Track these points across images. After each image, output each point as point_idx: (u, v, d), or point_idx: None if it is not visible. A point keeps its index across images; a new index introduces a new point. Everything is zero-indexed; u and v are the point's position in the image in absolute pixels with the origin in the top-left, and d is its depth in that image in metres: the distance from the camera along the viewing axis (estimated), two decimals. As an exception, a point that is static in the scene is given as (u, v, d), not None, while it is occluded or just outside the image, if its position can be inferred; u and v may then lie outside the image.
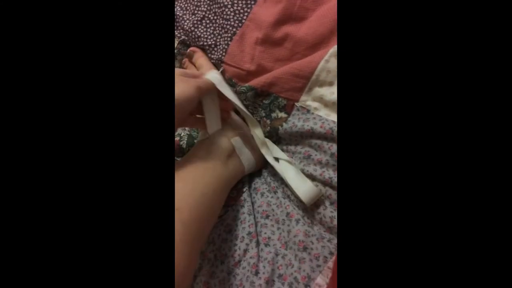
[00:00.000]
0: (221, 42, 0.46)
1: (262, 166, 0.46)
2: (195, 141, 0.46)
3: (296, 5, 0.42)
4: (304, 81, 0.39)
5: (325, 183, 0.36)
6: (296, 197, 0.38)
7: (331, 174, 0.35)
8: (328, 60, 0.37)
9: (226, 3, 0.46)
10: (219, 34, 0.47)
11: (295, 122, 0.40)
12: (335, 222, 0.35)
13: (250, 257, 0.36)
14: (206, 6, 0.48)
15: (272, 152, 0.41)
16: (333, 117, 0.37)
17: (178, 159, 0.46)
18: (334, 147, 0.35)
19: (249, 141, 0.43)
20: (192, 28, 0.48)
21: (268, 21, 0.42)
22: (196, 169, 0.36)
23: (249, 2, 0.45)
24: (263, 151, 0.41)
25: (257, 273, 0.35)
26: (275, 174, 0.43)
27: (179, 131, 0.49)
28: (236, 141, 0.41)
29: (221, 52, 0.46)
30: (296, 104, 0.40)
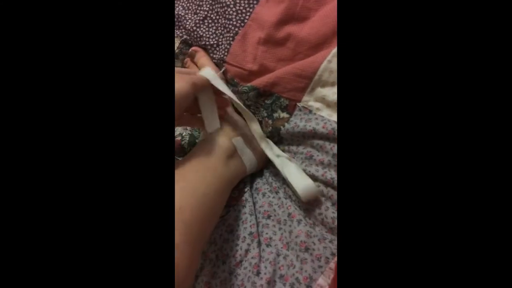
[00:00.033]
0: (223, 42, 0.46)
1: (264, 167, 0.46)
2: (197, 141, 0.46)
3: (298, 5, 0.42)
4: (307, 81, 0.39)
5: (327, 183, 0.36)
6: (294, 192, 0.38)
7: (333, 175, 0.35)
8: (330, 60, 0.37)
9: (228, 3, 0.45)
10: (221, 34, 0.47)
11: (297, 123, 0.40)
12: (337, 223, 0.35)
13: (252, 257, 0.36)
14: (208, 5, 0.48)
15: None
16: (336, 117, 0.37)
17: (180, 158, 0.46)
18: (336, 148, 0.35)
19: (250, 141, 0.43)
20: (194, 28, 0.48)
21: (270, 21, 0.42)
22: (198, 169, 0.36)
23: (251, 2, 0.45)
24: (263, 145, 0.41)
25: (258, 273, 0.35)
26: (276, 174, 0.43)
27: (180, 130, 0.49)
28: (238, 141, 0.41)
29: (223, 51, 0.46)
30: (298, 104, 0.40)
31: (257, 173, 0.46)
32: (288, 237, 0.37)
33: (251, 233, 0.38)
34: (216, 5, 0.47)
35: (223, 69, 0.46)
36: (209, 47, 0.48)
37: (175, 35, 0.50)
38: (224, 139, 0.40)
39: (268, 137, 0.43)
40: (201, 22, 0.48)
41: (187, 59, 0.50)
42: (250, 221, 0.39)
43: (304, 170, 0.38)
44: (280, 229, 0.38)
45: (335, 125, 0.36)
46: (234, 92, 0.46)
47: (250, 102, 0.43)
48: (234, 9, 0.45)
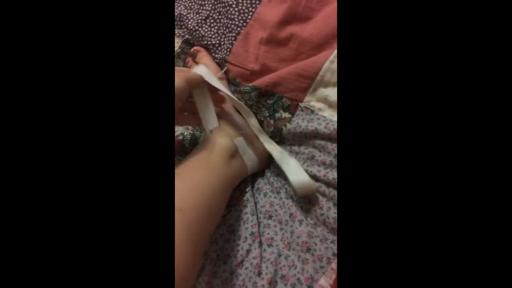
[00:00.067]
0: (225, 42, 0.46)
1: (265, 167, 0.46)
2: (199, 141, 0.46)
3: (301, 5, 0.42)
4: (309, 82, 0.39)
5: (328, 184, 0.36)
6: (290, 186, 0.38)
7: (335, 175, 0.35)
8: (333, 60, 0.37)
9: (230, 3, 0.45)
10: (223, 34, 0.47)
11: (299, 123, 0.40)
12: (339, 223, 0.35)
13: (253, 258, 0.36)
14: (210, 5, 0.48)
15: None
16: (338, 118, 0.37)
17: (181, 158, 0.46)
18: (338, 148, 0.35)
19: (252, 141, 0.42)
20: (196, 27, 0.48)
21: (273, 21, 0.42)
22: (199, 169, 0.36)
23: (253, 1, 0.45)
24: (262, 138, 0.41)
25: (259, 273, 0.35)
26: (278, 174, 0.43)
27: (181, 130, 0.49)
28: (239, 141, 0.41)
29: (225, 51, 0.46)
30: (300, 104, 0.40)
31: (258, 173, 0.46)
32: (289, 238, 0.37)
33: (252, 233, 0.38)
34: (219, 5, 0.47)
35: (225, 69, 0.46)
36: (211, 46, 0.48)
37: (178, 34, 0.50)
38: (226, 139, 0.40)
39: (270, 137, 0.43)
40: (203, 21, 0.48)
41: (189, 59, 0.50)
42: (251, 221, 0.39)
43: (306, 171, 0.38)
44: (281, 229, 0.38)
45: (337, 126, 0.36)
46: (236, 91, 0.46)
47: (252, 102, 0.43)
48: (236, 8, 0.45)
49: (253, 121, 0.41)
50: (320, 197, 0.37)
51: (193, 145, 0.46)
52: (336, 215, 0.35)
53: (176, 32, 0.50)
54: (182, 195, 0.31)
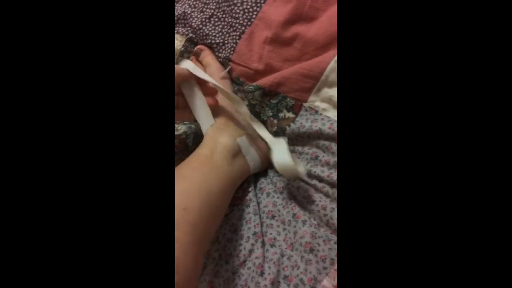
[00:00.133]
0: (229, 41, 0.46)
1: (268, 166, 0.46)
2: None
3: (306, 5, 0.42)
4: (313, 82, 0.39)
5: (332, 184, 0.36)
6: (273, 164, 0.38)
7: (339, 176, 0.35)
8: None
9: (235, 2, 0.45)
10: (227, 33, 0.47)
11: (303, 123, 0.39)
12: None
13: (256, 258, 0.36)
14: (215, 4, 0.48)
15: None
16: (342, 118, 0.37)
17: (184, 158, 0.46)
18: (342, 149, 0.35)
19: (255, 141, 0.42)
20: (200, 26, 0.48)
21: (277, 21, 0.42)
22: (202, 168, 0.36)
23: (258, 0, 0.45)
24: (254, 125, 0.41)
25: (262, 273, 0.35)
26: (281, 174, 0.43)
27: (184, 129, 0.49)
28: (242, 140, 0.41)
29: (229, 50, 0.46)
30: (304, 104, 0.40)
31: (261, 173, 0.46)
32: (292, 238, 0.37)
33: (255, 233, 0.38)
34: (223, 4, 0.47)
35: (228, 68, 0.46)
36: (214, 45, 0.47)
37: (181, 32, 0.50)
38: (229, 139, 0.40)
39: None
40: (207, 20, 0.48)
41: (192, 58, 0.50)
42: (254, 221, 0.39)
43: (310, 171, 0.38)
44: (284, 229, 0.38)
45: (341, 126, 0.36)
46: (239, 91, 0.45)
47: (255, 101, 0.43)
48: (241, 7, 0.45)
49: (244, 109, 0.41)
50: (324, 198, 0.37)
51: (196, 144, 0.46)
52: (339, 216, 0.35)
53: (179, 30, 0.50)
54: (186, 195, 0.31)
